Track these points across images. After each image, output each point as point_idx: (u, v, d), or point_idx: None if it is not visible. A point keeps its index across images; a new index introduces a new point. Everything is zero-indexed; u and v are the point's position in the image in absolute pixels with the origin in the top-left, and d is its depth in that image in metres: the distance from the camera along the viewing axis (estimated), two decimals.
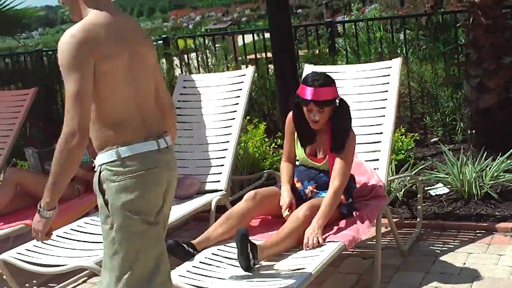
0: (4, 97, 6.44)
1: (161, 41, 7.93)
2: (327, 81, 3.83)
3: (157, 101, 2.78)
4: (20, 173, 5.10)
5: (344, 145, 3.82)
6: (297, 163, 4.15)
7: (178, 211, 4.43)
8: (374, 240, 3.97)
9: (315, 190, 3.96)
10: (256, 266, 3.39)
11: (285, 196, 3.92)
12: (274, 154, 5.98)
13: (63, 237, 4.16)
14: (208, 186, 4.83)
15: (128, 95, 2.61)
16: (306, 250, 3.56)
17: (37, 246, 3.99)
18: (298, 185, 4.03)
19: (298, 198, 3.96)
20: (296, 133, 4.03)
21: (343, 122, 3.88)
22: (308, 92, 3.79)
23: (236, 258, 3.42)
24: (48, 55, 8.48)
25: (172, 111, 2.96)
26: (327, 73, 3.96)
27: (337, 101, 3.85)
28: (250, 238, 3.44)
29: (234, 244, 3.62)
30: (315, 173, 3.98)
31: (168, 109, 2.90)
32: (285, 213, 3.82)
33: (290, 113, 4.04)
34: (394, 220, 4.48)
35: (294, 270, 3.33)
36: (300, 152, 4.03)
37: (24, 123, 6.13)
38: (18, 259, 3.83)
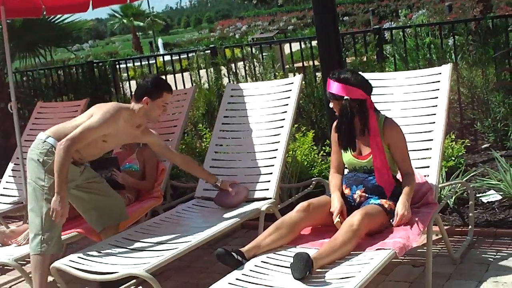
0: (57, 108, 6.61)
1: (209, 51, 8.00)
2: (341, 79, 3.96)
3: None
4: None
5: (376, 138, 3.92)
6: (345, 171, 4.15)
7: (227, 219, 4.46)
8: (425, 247, 3.92)
9: (363, 194, 3.96)
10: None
11: (336, 203, 3.94)
12: (323, 162, 5.96)
13: (115, 245, 4.22)
14: (257, 194, 4.84)
15: None
16: (396, 225, 3.77)
17: (89, 254, 4.06)
18: (346, 191, 4.04)
19: (348, 205, 3.97)
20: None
21: (352, 119, 3.96)
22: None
23: (287, 266, 3.42)
24: (99, 67, 8.64)
25: None
26: (351, 72, 4.05)
27: (347, 99, 3.93)
28: (301, 246, 3.44)
29: (284, 252, 3.65)
30: (362, 177, 3.99)
31: None
32: (336, 219, 3.82)
33: (335, 123, 4.11)
34: (445, 227, 4.42)
35: (344, 278, 3.31)
36: (345, 155, 4.07)
37: None
38: (71, 267, 3.89)
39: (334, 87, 3.97)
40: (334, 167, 4.20)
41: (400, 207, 3.82)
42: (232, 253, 3.60)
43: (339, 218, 3.83)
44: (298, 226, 3.86)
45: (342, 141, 4.06)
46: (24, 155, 5.81)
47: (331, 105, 4.04)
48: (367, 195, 3.95)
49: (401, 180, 4.03)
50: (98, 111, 4.25)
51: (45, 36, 8.63)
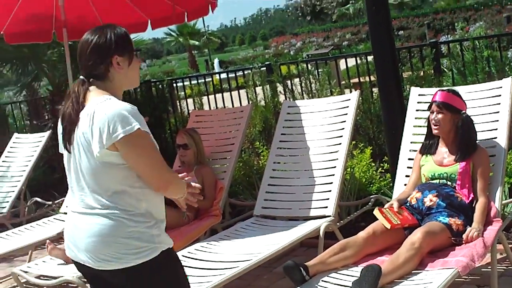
0: None
1: (264, 68, 8.04)
2: (457, 93, 4.25)
3: None
4: None
5: (469, 153, 4.10)
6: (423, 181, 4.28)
7: (286, 237, 4.45)
8: (489, 267, 3.83)
9: (435, 198, 3.99)
10: None
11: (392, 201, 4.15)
12: (381, 179, 5.90)
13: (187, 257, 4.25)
14: (316, 212, 4.83)
15: None
16: (466, 241, 3.77)
17: None
18: (417, 195, 4.09)
19: (416, 212, 4.04)
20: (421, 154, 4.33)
21: (466, 132, 4.15)
22: (435, 95, 4.23)
23: (348, 285, 3.40)
24: (156, 86, 8.77)
25: None
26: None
27: (463, 115, 4.15)
28: (362, 265, 3.42)
29: (347, 272, 3.65)
30: (437, 184, 4.09)
31: None
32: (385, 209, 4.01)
33: (420, 145, 4.40)
34: (510, 246, 4.31)
35: None
36: (428, 164, 4.22)
37: None
38: None
39: (451, 99, 4.17)
40: (409, 187, 4.33)
41: (476, 227, 3.84)
42: (300, 267, 3.60)
43: (389, 211, 3.98)
44: (363, 250, 3.86)
45: (425, 147, 4.31)
46: None
47: (436, 118, 4.15)
48: (438, 200, 3.98)
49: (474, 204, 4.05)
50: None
51: None
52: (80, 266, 2.70)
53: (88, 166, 2.56)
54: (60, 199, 6.54)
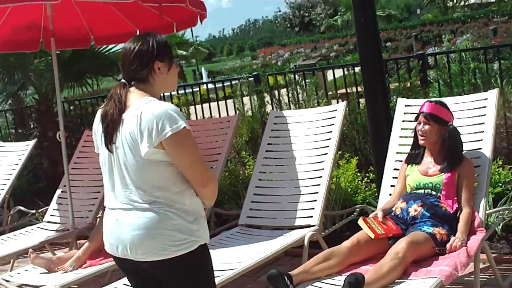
0: None
1: (252, 78, 8.05)
2: (444, 105, 4.28)
3: None
4: None
5: (455, 165, 4.12)
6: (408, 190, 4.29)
7: (271, 247, 4.45)
8: (472, 276, 3.85)
9: (419, 208, 4.01)
10: None
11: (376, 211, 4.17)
12: (366, 189, 5.92)
13: None
14: (301, 222, 4.83)
15: None
16: (449, 251, 3.79)
17: None
18: (402, 205, 4.11)
19: (401, 221, 4.06)
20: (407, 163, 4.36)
21: (453, 144, 4.17)
22: (423, 106, 4.26)
23: None
24: None
25: None
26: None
27: (449, 126, 4.18)
28: (346, 274, 3.42)
29: (330, 281, 3.64)
30: (422, 194, 4.10)
31: None
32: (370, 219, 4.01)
33: (406, 155, 4.41)
34: (493, 255, 4.33)
35: None
36: (413, 174, 4.25)
37: None
38: None
39: (438, 110, 4.20)
40: (393, 197, 4.34)
41: (460, 237, 3.87)
42: (284, 276, 3.60)
43: (373, 221, 3.99)
44: (347, 260, 3.87)
45: (411, 157, 4.34)
46: (71, 183, 5.92)
47: (423, 129, 4.18)
48: (423, 210, 3.99)
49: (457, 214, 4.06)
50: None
51: (92, 66, 8.81)
52: (121, 261, 2.85)
53: (134, 164, 2.69)
54: (44, 208, 6.50)
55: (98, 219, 5.72)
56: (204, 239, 2.79)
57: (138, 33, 6.49)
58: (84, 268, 4.74)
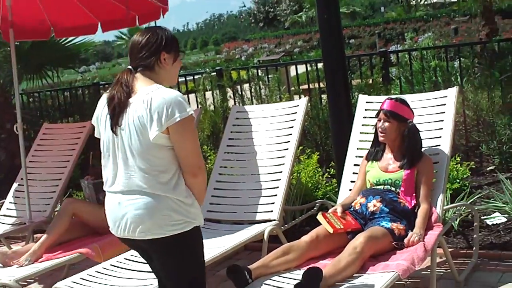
0: (62, 129, 6.62)
1: (215, 73, 8.02)
2: (405, 102, 4.29)
3: None
4: (76, 203, 5.18)
5: (415, 162, 4.15)
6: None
7: (230, 241, 4.43)
8: (429, 270, 3.89)
9: (378, 204, 4.03)
10: None
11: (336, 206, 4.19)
12: (327, 184, 5.94)
13: (117, 266, 4.20)
14: (261, 216, 4.82)
15: None
16: (407, 246, 3.83)
17: (91, 275, 4.04)
18: (361, 200, 4.13)
19: (360, 216, 4.07)
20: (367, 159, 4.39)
21: (413, 141, 4.20)
22: (383, 103, 4.27)
23: None
24: (105, 88, 8.66)
25: None
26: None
27: (409, 124, 4.21)
28: (305, 268, 3.43)
29: (289, 275, 3.65)
30: (381, 190, 4.13)
31: None
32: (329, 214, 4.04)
33: (367, 151, 4.43)
34: (450, 250, 4.38)
35: None
36: (373, 170, 4.27)
37: (84, 153, 6.27)
38: None
39: (399, 108, 4.22)
40: (353, 193, 4.36)
41: (417, 232, 3.90)
42: (244, 270, 3.59)
43: (332, 216, 4.00)
44: (306, 254, 3.88)
45: (371, 154, 4.36)
46: (28, 176, 5.82)
47: (383, 126, 4.20)
48: (382, 205, 4.01)
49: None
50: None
51: (52, 57, 8.68)
52: (124, 241, 3.04)
53: (138, 147, 2.85)
54: (0, 201, 6.38)
55: (56, 212, 5.63)
56: (199, 222, 2.96)
57: (99, 25, 6.42)
58: (41, 262, 4.67)
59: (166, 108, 2.77)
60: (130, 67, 2.97)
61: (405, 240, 3.85)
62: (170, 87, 2.97)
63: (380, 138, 4.26)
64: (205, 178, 2.97)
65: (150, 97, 2.81)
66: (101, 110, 3.02)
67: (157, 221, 2.85)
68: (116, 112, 2.90)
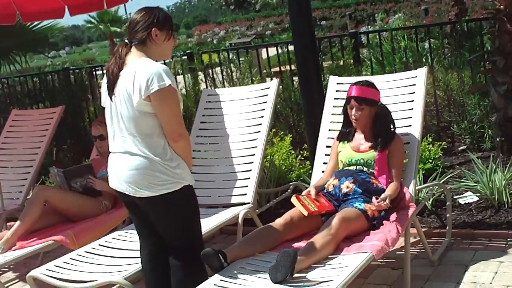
0: (32, 115, 6.54)
1: (186, 56, 7.98)
2: (371, 84, 4.27)
3: None
4: (48, 190, 5.12)
5: (387, 143, 4.17)
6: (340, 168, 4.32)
7: (205, 225, 4.41)
8: (403, 250, 3.92)
9: (351, 185, 4.04)
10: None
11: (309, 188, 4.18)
12: (301, 166, 5.96)
13: (92, 253, 4.19)
14: (235, 200, 4.83)
15: None
16: (375, 208, 3.89)
17: (66, 263, 4.02)
18: (334, 182, 4.13)
19: (334, 198, 4.09)
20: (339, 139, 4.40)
21: (384, 122, 4.24)
22: (351, 90, 4.23)
23: (265, 271, 3.41)
24: (75, 73, 8.57)
25: None
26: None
27: (379, 105, 4.20)
28: (280, 251, 3.45)
29: (265, 258, 3.65)
30: (354, 171, 4.14)
31: None
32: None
33: (338, 132, 4.45)
34: (423, 229, 4.43)
35: (323, 282, 3.30)
36: (345, 150, 4.28)
37: (52, 141, 6.20)
38: (48, 276, 3.85)
39: (368, 92, 4.20)
40: (326, 174, 4.36)
41: (387, 194, 3.93)
42: (219, 254, 3.58)
43: (306, 198, 4.02)
44: (280, 237, 3.89)
45: (345, 135, 4.36)
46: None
47: (357, 114, 4.17)
48: (355, 186, 4.03)
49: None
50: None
51: (20, 42, 8.55)
52: (121, 195, 3.42)
53: (127, 114, 3.26)
54: None
55: (28, 200, 5.58)
56: (188, 181, 3.33)
57: (66, 9, 6.33)
58: (14, 250, 4.62)
59: (147, 79, 3.14)
60: (126, 40, 3.36)
61: (373, 200, 3.86)
62: (164, 62, 3.20)
63: (354, 124, 4.26)
64: (187, 144, 3.33)
65: (136, 69, 3.20)
66: (104, 82, 3.41)
67: (146, 180, 3.25)
68: (111, 82, 3.32)
